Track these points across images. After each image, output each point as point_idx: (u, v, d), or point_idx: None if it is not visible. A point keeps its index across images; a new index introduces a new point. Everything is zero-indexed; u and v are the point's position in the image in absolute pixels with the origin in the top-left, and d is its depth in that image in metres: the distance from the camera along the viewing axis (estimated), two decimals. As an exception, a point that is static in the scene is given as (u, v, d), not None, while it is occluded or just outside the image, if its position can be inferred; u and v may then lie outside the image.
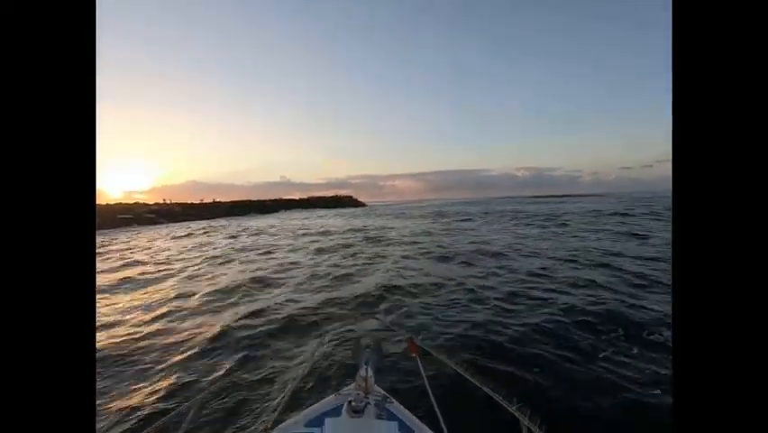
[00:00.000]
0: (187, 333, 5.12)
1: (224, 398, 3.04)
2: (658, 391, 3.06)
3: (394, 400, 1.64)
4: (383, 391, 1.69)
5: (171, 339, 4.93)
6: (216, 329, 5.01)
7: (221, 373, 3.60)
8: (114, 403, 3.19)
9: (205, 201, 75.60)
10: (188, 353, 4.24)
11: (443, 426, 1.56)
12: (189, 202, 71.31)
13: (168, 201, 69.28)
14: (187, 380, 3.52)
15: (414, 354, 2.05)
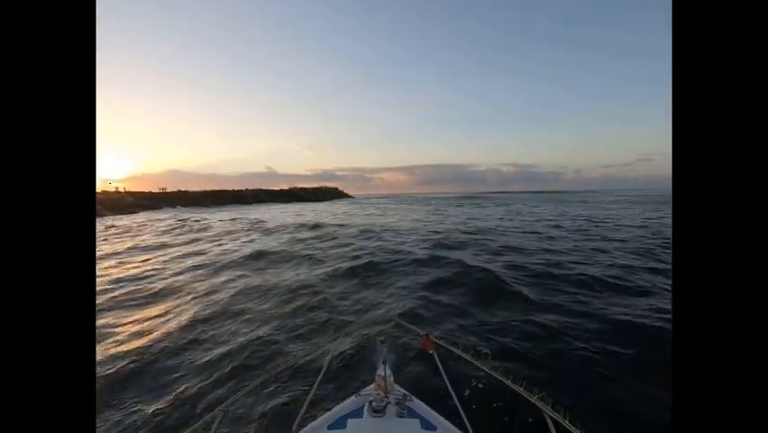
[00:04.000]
0: None
1: (247, 403, 2.97)
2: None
3: (414, 398, 1.63)
4: (403, 390, 1.67)
5: None
6: None
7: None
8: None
9: (169, 190, 69.51)
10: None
11: (465, 420, 1.55)
12: (148, 191, 65.97)
13: (121, 190, 62.21)
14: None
15: (430, 351, 2.02)
